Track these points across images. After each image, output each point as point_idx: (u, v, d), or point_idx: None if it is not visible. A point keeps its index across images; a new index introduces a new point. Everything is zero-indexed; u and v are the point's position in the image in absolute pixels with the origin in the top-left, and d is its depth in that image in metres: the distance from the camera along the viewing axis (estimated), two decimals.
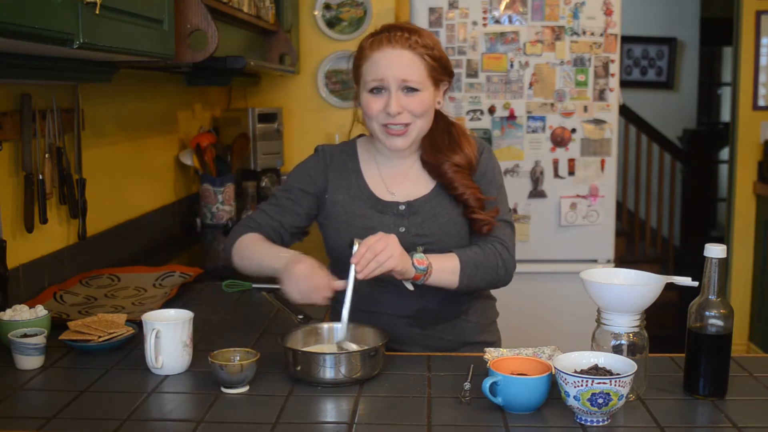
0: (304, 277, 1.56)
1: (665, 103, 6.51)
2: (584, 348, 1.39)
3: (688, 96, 6.59)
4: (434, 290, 1.68)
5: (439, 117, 1.78)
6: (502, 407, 1.31)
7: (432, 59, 1.69)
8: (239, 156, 3.32)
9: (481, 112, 3.49)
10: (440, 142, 1.75)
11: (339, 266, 1.68)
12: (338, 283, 1.57)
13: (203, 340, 1.67)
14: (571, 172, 3.53)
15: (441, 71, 1.71)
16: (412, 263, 1.58)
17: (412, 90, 1.68)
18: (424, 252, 1.64)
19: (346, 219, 1.74)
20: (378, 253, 1.51)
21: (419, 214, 1.72)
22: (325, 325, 1.61)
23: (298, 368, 1.44)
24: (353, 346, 1.53)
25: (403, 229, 1.71)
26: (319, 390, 1.42)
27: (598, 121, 3.53)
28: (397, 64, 1.67)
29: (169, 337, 1.47)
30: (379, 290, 1.72)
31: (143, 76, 2.67)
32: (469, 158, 1.73)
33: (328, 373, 1.42)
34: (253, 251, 1.71)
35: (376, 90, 1.70)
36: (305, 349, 1.52)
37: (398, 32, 1.68)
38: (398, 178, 1.77)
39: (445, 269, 1.64)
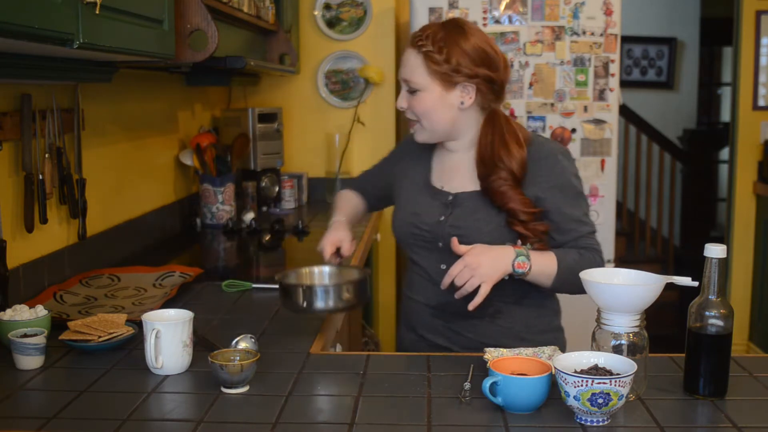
0: (325, 234, 1.87)
1: (665, 103, 6.51)
2: (584, 348, 1.39)
3: (688, 96, 6.59)
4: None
5: (490, 119, 1.76)
6: (502, 407, 1.31)
7: (432, 59, 1.69)
8: (239, 156, 3.32)
9: None
10: (485, 148, 1.74)
11: (401, 244, 1.89)
12: (326, 252, 1.82)
13: (203, 340, 1.67)
14: None
15: (452, 72, 1.69)
16: (513, 267, 1.63)
17: (414, 90, 1.73)
18: (530, 247, 1.66)
19: (403, 202, 1.87)
20: (471, 278, 1.61)
21: (461, 207, 1.76)
22: (316, 268, 1.84)
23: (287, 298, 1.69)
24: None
25: (443, 218, 1.77)
26: (320, 390, 1.42)
27: (598, 121, 3.53)
28: (404, 64, 1.76)
29: (169, 337, 1.47)
30: (414, 276, 1.85)
31: (143, 76, 2.67)
32: (513, 168, 1.70)
33: (307, 303, 1.66)
34: (336, 205, 2.06)
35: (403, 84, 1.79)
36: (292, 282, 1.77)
37: (418, 33, 1.73)
38: (452, 170, 1.83)
39: (542, 272, 1.67)
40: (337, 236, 1.85)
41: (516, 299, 1.77)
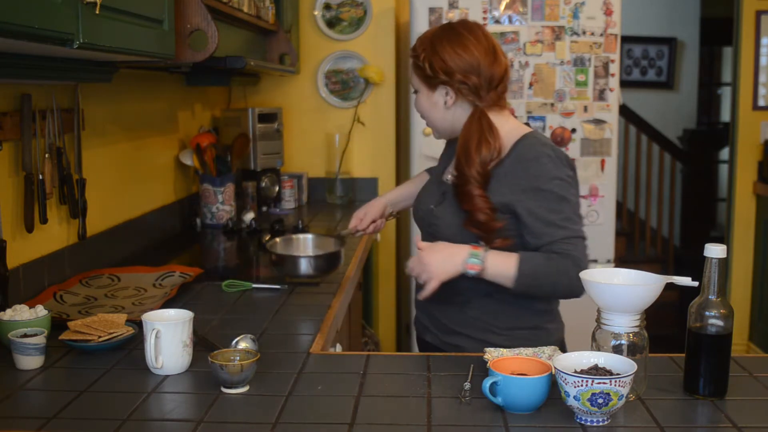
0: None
1: (665, 103, 6.51)
2: (584, 348, 1.39)
3: (688, 96, 6.59)
4: None
5: (470, 118, 1.78)
6: (502, 407, 1.31)
7: (417, 65, 1.82)
8: (239, 156, 3.32)
9: None
10: (460, 147, 1.77)
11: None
12: (351, 223, 2.16)
13: (203, 340, 1.67)
14: None
15: (430, 75, 1.79)
16: (465, 268, 1.68)
17: (415, 91, 1.88)
18: (488, 249, 1.68)
19: (421, 190, 2.02)
20: (421, 273, 1.71)
21: (449, 200, 1.82)
22: (301, 236, 2.31)
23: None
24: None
25: (433, 207, 1.87)
26: (320, 390, 1.42)
27: (598, 121, 3.53)
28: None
29: (169, 337, 1.47)
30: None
31: (143, 76, 2.67)
32: (478, 168, 1.73)
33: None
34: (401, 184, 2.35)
35: None
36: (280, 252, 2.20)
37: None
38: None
39: (499, 274, 1.68)
40: (363, 211, 2.17)
41: (489, 292, 1.76)
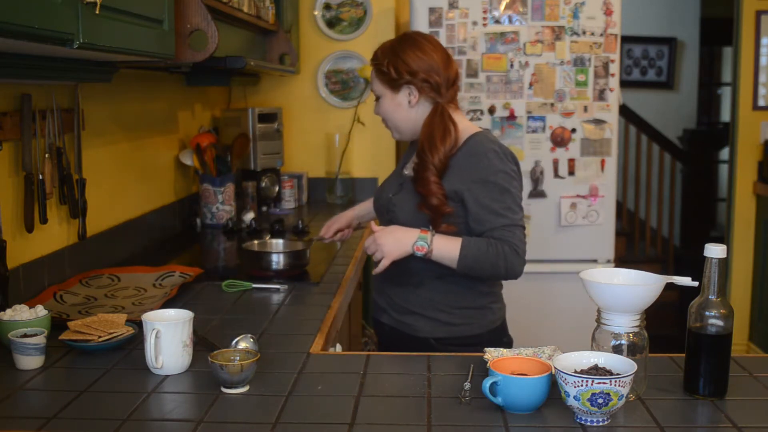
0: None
1: (665, 103, 6.51)
2: (584, 348, 1.39)
3: (688, 96, 6.59)
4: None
5: (431, 115, 1.98)
6: (502, 407, 1.31)
7: (380, 71, 2.00)
8: (239, 156, 3.32)
9: (481, 112, 3.49)
10: (420, 139, 1.97)
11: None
12: (322, 231, 2.38)
13: (203, 340, 1.67)
14: (571, 172, 3.54)
15: (394, 78, 1.97)
16: (413, 249, 1.88)
17: (377, 98, 2.06)
18: (435, 233, 1.88)
19: (383, 183, 2.19)
20: (375, 251, 1.92)
21: (405, 189, 2.02)
22: (274, 240, 2.48)
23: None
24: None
25: (392, 195, 2.05)
26: (320, 390, 1.42)
27: (598, 121, 3.53)
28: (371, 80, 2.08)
29: (169, 337, 1.47)
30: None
31: (143, 76, 2.67)
32: (434, 160, 1.92)
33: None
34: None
35: None
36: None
37: (376, 50, 2.05)
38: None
39: (444, 257, 1.88)
40: (332, 221, 2.37)
41: (440, 275, 1.95)
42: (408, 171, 2.04)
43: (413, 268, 1.97)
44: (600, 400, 1.23)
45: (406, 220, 1.96)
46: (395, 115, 2.02)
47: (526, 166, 3.51)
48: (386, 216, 2.07)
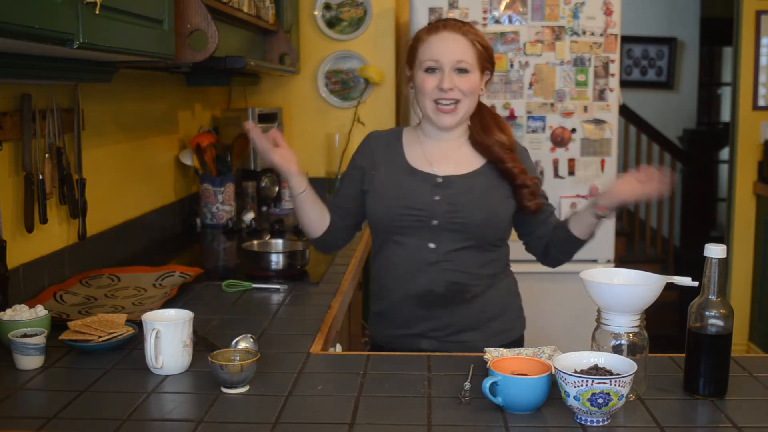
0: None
1: (665, 103, 6.51)
2: (584, 348, 1.39)
3: (688, 96, 6.59)
4: (446, 272, 1.84)
5: (482, 104, 1.97)
6: (502, 407, 1.31)
7: (481, 46, 1.88)
8: (239, 156, 3.32)
9: None
10: (488, 124, 1.94)
11: (377, 234, 1.93)
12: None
13: (203, 340, 1.67)
14: (571, 172, 3.54)
15: (487, 59, 1.90)
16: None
17: (463, 71, 1.86)
18: None
19: (384, 188, 1.91)
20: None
21: (454, 187, 1.87)
22: (274, 240, 2.50)
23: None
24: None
25: (438, 198, 1.86)
26: (320, 390, 1.42)
27: (598, 121, 3.53)
28: (452, 46, 1.86)
29: (169, 337, 1.47)
30: (394, 267, 1.89)
31: (143, 76, 2.67)
32: (511, 140, 1.94)
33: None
34: None
35: (431, 70, 1.87)
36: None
37: (452, 21, 1.91)
38: (442, 156, 1.93)
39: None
40: (284, 141, 2.00)
41: (489, 283, 1.90)
42: (424, 168, 1.89)
43: (466, 284, 1.86)
44: (600, 400, 1.23)
45: (482, 220, 1.85)
46: (475, 97, 1.90)
47: None
48: (431, 222, 1.85)
